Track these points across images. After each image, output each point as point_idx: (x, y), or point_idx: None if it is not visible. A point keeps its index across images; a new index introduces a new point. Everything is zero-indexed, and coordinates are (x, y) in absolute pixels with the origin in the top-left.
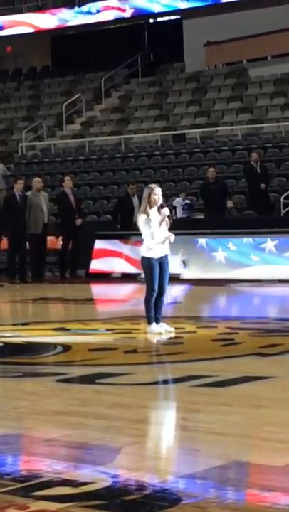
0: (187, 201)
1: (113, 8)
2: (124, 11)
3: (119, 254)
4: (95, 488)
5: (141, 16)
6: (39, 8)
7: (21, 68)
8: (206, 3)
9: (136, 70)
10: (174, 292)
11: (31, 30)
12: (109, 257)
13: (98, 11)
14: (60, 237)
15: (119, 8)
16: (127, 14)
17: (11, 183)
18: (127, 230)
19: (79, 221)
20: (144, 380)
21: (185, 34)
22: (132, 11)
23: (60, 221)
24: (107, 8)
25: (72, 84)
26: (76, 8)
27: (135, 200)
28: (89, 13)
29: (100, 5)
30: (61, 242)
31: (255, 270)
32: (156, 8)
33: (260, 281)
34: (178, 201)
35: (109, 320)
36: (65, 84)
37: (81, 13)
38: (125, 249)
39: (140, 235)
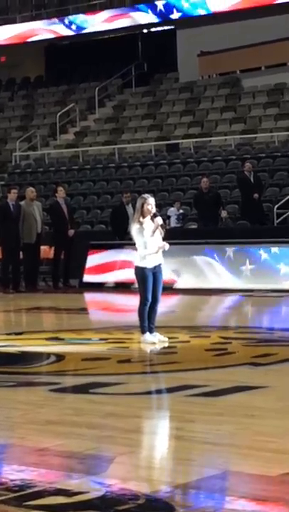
0: (181, 211)
1: (107, 18)
2: (120, 16)
3: (113, 264)
4: (89, 497)
5: (135, 26)
6: (33, 19)
7: (15, 78)
8: (200, 14)
9: (130, 80)
10: (167, 302)
11: (25, 40)
12: (103, 266)
13: (92, 21)
14: (53, 247)
15: (113, 18)
16: (122, 24)
17: (5, 192)
18: (121, 239)
19: (71, 231)
20: (138, 389)
21: (179, 44)
22: (128, 20)
23: (52, 231)
24: (101, 18)
25: (66, 94)
26: (70, 19)
27: (130, 209)
28: (83, 23)
29: (93, 15)
30: (53, 252)
31: (249, 280)
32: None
33: (252, 290)
34: (172, 211)
35: (102, 329)
36: (59, 94)
37: (75, 23)
38: (119, 258)
39: (134, 244)
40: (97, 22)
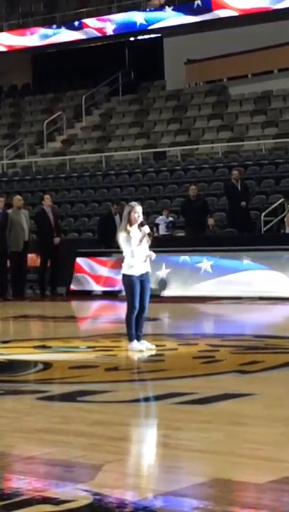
0: (171, 218)
1: (94, 26)
2: (104, 28)
3: (100, 272)
4: (76, 506)
5: (122, 33)
6: (20, 26)
7: (2, 86)
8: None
9: (117, 88)
10: (154, 310)
11: (12, 48)
12: (90, 274)
13: (79, 29)
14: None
15: (100, 28)
16: (108, 32)
17: None
18: (108, 247)
19: (57, 240)
20: (125, 397)
21: (165, 52)
22: (113, 27)
23: (38, 239)
24: (88, 26)
25: (53, 102)
26: (57, 27)
27: (117, 218)
28: (70, 31)
29: (80, 23)
30: (40, 260)
31: (236, 287)
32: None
33: (240, 298)
34: (161, 219)
35: (90, 337)
36: (46, 102)
37: (62, 31)
38: (106, 266)
39: (121, 252)
40: (84, 30)
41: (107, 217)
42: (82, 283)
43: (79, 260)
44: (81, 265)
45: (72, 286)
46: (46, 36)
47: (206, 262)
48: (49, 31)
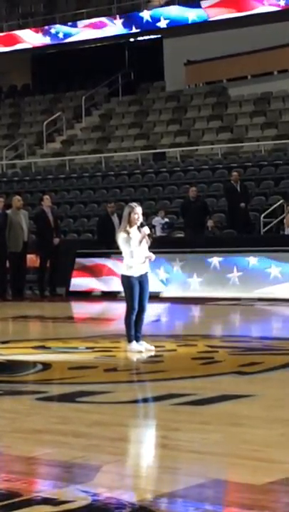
0: (166, 220)
1: (94, 26)
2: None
3: (99, 273)
4: (75, 506)
5: (122, 35)
6: (20, 27)
7: (1, 86)
8: (187, 23)
9: (116, 89)
10: (153, 310)
11: (12, 48)
12: (90, 275)
13: (79, 30)
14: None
15: (100, 27)
16: (108, 33)
17: None
18: (107, 248)
19: (56, 240)
20: (124, 398)
21: (165, 53)
22: (113, 28)
23: (37, 239)
24: (88, 26)
25: (52, 102)
26: (57, 27)
27: (115, 218)
28: (69, 32)
29: (80, 23)
30: (39, 261)
31: (235, 288)
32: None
33: (239, 299)
34: (157, 220)
35: (89, 338)
36: (46, 102)
37: (62, 32)
38: (105, 267)
39: (120, 253)
40: (83, 31)
41: (105, 218)
42: (82, 283)
43: (78, 261)
44: (80, 266)
45: (72, 287)
46: (46, 37)
47: (205, 262)
48: (49, 31)
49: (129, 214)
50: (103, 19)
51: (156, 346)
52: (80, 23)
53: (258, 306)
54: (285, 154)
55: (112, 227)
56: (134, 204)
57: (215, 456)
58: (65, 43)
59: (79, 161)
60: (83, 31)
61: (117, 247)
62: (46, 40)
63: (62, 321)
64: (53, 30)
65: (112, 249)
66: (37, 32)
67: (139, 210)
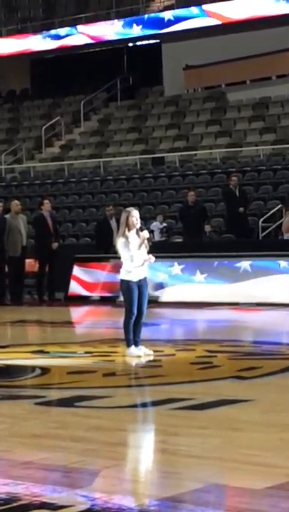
0: (165, 224)
1: (93, 31)
2: (106, 30)
3: (97, 277)
4: (74, 511)
5: (120, 39)
6: (19, 32)
7: (0, 91)
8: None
9: (115, 94)
10: (152, 315)
11: (11, 53)
12: (88, 279)
13: (77, 35)
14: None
15: (99, 32)
16: (107, 37)
17: None
18: (105, 252)
19: (55, 245)
20: (123, 403)
21: (164, 58)
22: (112, 33)
23: (36, 244)
24: (87, 31)
25: (51, 107)
26: (56, 32)
27: (113, 222)
28: (68, 36)
29: (79, 28)
30: (38, 265)
31: (233, 293)
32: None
33: (238, 304)
34: (155, 225)
35: (87, 343)
36: (45, 107)
37: (60, 36)
38: (104, 272)
39: (119, 257)
40: (82, 35)
41: (104, 222)
42: (80, 288)
43: (77, 265)
44: (79, 270)
45: (70, 292)
46: (45, 42)
47: (203, 267)
48: (48, 36)
49: (127, 218)
50: (102, 23)
51: (154, 351)
52: (79, 28)
53: (257, 310)
54: (283, 159)
55: (110, 232)
56: (130, 208)
57: (214, 460)
58: (64, 48)
59: (78, 165)
60: (82, 36)
61: (116, 252)
62: (45, 45)
63: (61, 326)
64: (51, 35)
65: (110, 254)
66: (36, 37)
67: (135, 213)
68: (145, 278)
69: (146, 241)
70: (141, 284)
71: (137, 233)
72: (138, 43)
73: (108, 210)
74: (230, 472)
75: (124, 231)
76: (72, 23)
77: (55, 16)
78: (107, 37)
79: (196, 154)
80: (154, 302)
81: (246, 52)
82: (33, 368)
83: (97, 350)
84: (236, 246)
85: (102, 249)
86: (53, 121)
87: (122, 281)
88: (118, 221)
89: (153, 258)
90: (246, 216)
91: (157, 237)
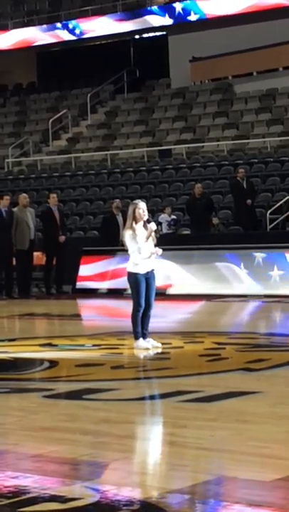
0: (173, 217)
1: (99, 24)
2: (112, 22)
3: (105, 270)
4: (83, 503)
5: (127, 32)
6: (25, 25)
7: (7, 85)
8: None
9: (122, 86)
10: (160, 307)
11: (17, 46)
12: (96, 272)
13: (84, 27)
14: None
15: (105, 24)
16: (114, 30)
17: None
18: (112, 245)
19: (62, 238)
20: (131, 395)
21: (171, 50)
22: (120, 26)
23: (43, 237)
24: (93, 24)
25: (58, 100)
26: (62, 25)
27: (119, 218)
28: (75, 29)
29: (85, 21)
30: (45, 258)
31: (242, 285)
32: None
33: (246, 296)
34: (163, 217)
35: (95, 335)
36: (51, 100)
37: (67, 29)
38: (111, 264)
39: (126, 250)
40: (89, 28)
41: (109, 219)
42: (88, 281)
43: (84, 258)
44: (86, 263)
45: (78, 284)
46: (51, 34)
47: (213, 259)
48: (54, 29)
49: (134, 211)
50: (108, 16)
51: (163, 343)
52: (85, 21)
53: (265, 302)
54: None
55: (116, 228)
56: (137, 201)
57: (222, 452)
58: (71, 41)
59: (85, 158)
60: (88, 28)
61: (123, 245)
62: (51, 38)
63: (69, 319)
64: (58, 28)
65: (117, 247)
66: (42, 30)
67: (142, 205)
68: (153, 270)
69: (153, 233)
70: (149, 277)
71: (144, 225)
72: (145, 35)
73: (113, 204)
74: (239, 464)
75: (132, 223)
76: (79, 16)
77: (61, 9)
78: (113, 29)
79: (203, 146)
80: (162, 294)
81: (253, 43)
82: (41, 361)
83: (105, 343)
84: (244, 238)
85: (108, 242)
86: (60, 114)
87: (130, 273)
88: (124, 215)
89: (160, 251)
90: (254, 208)
91: (165, 230)
